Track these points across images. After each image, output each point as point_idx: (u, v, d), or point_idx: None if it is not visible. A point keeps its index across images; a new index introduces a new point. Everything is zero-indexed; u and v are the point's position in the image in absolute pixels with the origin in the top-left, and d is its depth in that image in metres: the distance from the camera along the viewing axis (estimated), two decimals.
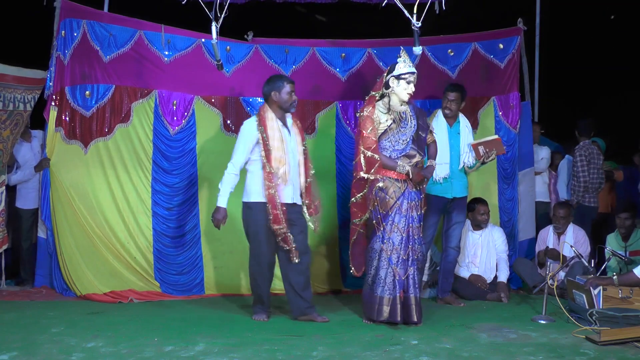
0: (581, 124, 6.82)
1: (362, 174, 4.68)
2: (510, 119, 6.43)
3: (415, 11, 4.76)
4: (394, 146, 4.73)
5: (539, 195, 6.83)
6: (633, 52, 8.80)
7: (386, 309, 4.57)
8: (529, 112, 6.63)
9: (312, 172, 4.96)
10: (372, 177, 4.66)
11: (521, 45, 6.49)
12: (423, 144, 4.87)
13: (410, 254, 4.65)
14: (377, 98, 4.79)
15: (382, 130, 4.73)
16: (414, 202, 4.72)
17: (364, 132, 4.69)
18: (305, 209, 4.89)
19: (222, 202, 4.77)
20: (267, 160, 4.68)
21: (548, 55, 7.47)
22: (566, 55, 9.19)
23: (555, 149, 7.52)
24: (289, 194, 4.77)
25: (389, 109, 4.75)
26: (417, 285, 4.67)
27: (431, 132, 4.99)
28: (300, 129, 4.95)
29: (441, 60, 6.41)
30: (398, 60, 4.78)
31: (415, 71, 4.76)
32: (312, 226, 4.93)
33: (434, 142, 5.02)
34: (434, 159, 4.99)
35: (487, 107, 6.44)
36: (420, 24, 4.79)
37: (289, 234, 4.68)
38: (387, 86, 4.76)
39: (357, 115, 4.89)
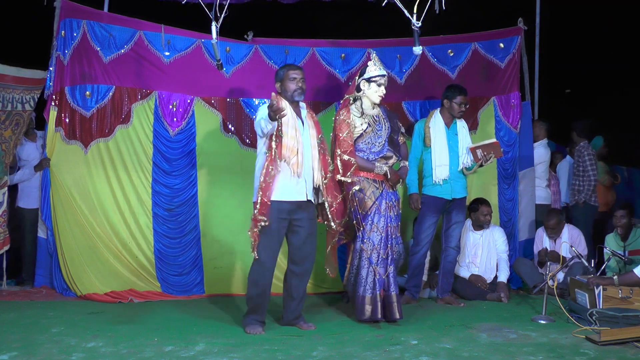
0: (581, 125, 6.84)
1: (338, 177, 4.70)
2: (512, 118, 6.43)
3: (415, 11, 4.75)
4: (370, 149, 4.80)
5: (539, 199, 6.82)
6: (632, 51, 8.80)
7: (368, 308, 4.62)
8: (529, 112, 6.63)
9: (332, 167, 4.70)
10: (348, 180, 4.69)
11: (521, 45, 6.50)
12: (397, 146, 4.95)
13: (390, 253, 4.71)
14: (350, 101, 4.85)
15: (358, 134, 4.78)
16: (391, 202, 4.79)
17: (340, 135, 4.74)
18: (327, 208, 4.58)
19: (263, 111, 4.29)
20: (277, 147, 4.36)
21: (548, 55, 7.47)
22: (566, 55, 9.19)
23: (556, 149, 7.53)
24: (302, 189, 4.46)
25: (362, 113, 4.81)
26: (396, 283, 4.73)
27: (402, 133, 5.07)
28: (316, 122, 4.68)
29: (441, 60, 6.41)
30: (368, 63, 4.84)
31: (386, 74, 4.84)
32: (334, 226, 4.61)
33: (405, 143, 5.11)
34: (406, 159, 5.08)
35: (487, 107, 6.45)
36: (420, 24, 4.78)
37: (259, 233, 4.35)
38: (358, 89, 4.82)
39: (334, 118, 4.90)
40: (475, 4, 7.80)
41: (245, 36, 6.25)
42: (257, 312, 4.50)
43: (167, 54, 6.03)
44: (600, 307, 4.63)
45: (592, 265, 5.21)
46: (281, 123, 4.38)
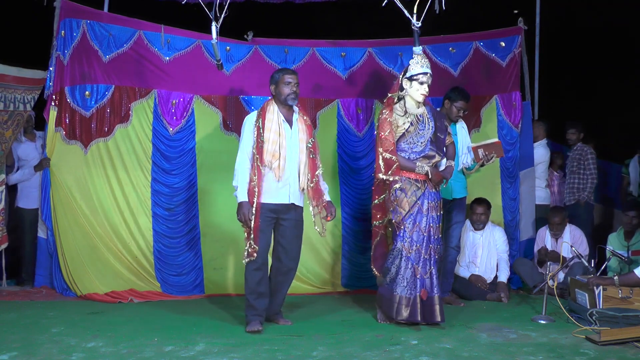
0: (582, 126, 6.87)
1: (380, 176, 4.67)
2: (513, 117, 6.44)
3: (415, 11, 4.76)
4: (412, 148, 4.73)
5: (539, 199, 6.83)
6: (633, 51, 8.80)
7: (406, 309, 4.57)
8: (529, 112, 6.63)
9: (320, 171, 4.70)
10: (390, 179, 4.66)
11: (522, 45, 6.50)
12: (442, 145, 4.86)
13: (432, 254, 4.66)
14: (395, 100, 4.78)
15: (400, 133, 4.73)
16: (433, 202, 4.73)
17: (382, 134, 4.69)
18: (312, 213, 4.67)
19: (243, 196, 4.47)
20: (259, 153, 4.47)
21: (548, 55, 7.47)
22: (566, 55, 9.19)
23: (556, 149, 7.52)
24: (285, 193, 4.55)
25: (405, 112, 4.74)
26: (439, 285, 4.67)
27: (449, 133, 4.98)
28: (308, 127, 4.71)
29: (443, 57, 6.41)
30: (410, 61, 4.76)
31: (429, 71, 4.72)
32: (319, 230, 4.69)
33: (452, 143, 5.02)
34: (453, 160, 4.99)
35: (490, 105, 6.45)
36: (420, 24, 4.78)
37: (251, 233, 4.46)
38: (401, 88, 4.76)
39: (377, 117, 4.87)
40: (475, 4, 7.79)
41: (245, 36, 6.26)
42: (256, 308, 4.53)
43: (166, 52, 6.03)
44: (600, 307, 4.63)
45: (592, 266, 5.21)
46: (263, 129, 4.50)
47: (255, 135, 4.52)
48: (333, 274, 6.22)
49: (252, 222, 4.45)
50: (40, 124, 6.23)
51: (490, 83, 6.45)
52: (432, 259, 4.66)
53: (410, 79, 4.70)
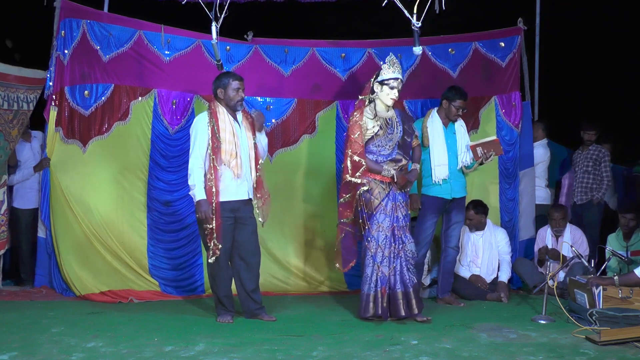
0: (599, 127, 6.88)
1: (348, 177, 4.76)
2: (513, 118, 6.43)
3: (415, 11, 4.76)
4: (380, 151, 4.83)
5: (539, 199, 6.82)
6: (633, 51, 8.80)
7: (372, 306, 4.71)
8: (529, 112, 6.63)
9: (261, 162, 4.89)
10: (357, 181, 4.74)
11: (521, 45, 6.50)
12: (409, 149, 4.98)
13: (394, 252, 4.74)
14: (366, 103, 4.86)
15: (369, 136, 4.81)
16: (398, 202, 4.82)
17: (351, 136, 4.79)
18: (255, 205, 4.85)
19: (201, 194, 4.63)
20: (215, 153, 4.62)
21: (548, 55, 7.46)
22: (566, 55, 9.19)
23: (568, 153, 7.45)
24: (244, 189, 4.75)
25: (375, 115, 4.82)
26: (406, 281, 4.75)
27: (416, 136, 5.09)
28: (250, 124, 4.89)
29: (442, 59, 6.40)
30: (382, 65, 4.84)
31: (400, 77, 4.82)
32: (260, 220, 4.86)
33: (419, 145, 5.14)
34: (418, 162, 5.10)
35: (489, 107, 6.44)
36: (420, 24, 4.79)
37: (214, 232, 4.60)
38: (372, 91, 4.84)
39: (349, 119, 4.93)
40: (475, 4, 7.79)
41: (245, 36, 6.26)
42: (224, 303, 4.79)
43: (166, 53, 6.04)
44: (600, 307, 4.63)
45: (592, 266, 5.21)
46: (219, 130, 4.67)
47: (210, 137, 4.67)
48: (333, 274, 6.21)
49: (214, 220, 4.59)
50: (40, 124, 6.21)
51: (489, 84, 6.45)
52: (396, 256, 4.74)
53: (382, 83, 4.81)
